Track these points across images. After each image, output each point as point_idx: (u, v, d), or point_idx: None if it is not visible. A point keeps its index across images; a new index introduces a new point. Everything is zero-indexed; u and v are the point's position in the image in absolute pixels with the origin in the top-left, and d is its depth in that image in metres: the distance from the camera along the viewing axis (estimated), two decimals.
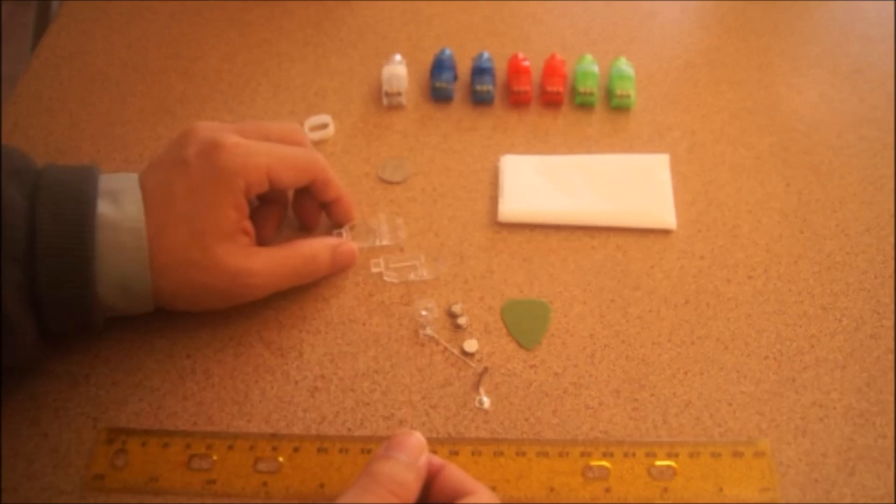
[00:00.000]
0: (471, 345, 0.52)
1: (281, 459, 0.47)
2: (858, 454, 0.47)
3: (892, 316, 0.54)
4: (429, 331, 0.53)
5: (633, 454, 0.47)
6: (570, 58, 0.68)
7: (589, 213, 0.59)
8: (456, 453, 0.47)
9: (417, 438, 0.41)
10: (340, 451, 0.48)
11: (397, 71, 0.66)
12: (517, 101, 0.66)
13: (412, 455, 0.40)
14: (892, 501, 0.46)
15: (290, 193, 0.59)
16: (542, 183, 0.60)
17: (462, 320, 0.53)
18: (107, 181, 0.50)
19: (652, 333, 0.53)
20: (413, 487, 0.40)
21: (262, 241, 0.54)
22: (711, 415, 0.49)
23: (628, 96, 0.65)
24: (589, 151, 0.63)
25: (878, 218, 0.59)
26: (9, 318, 0.45)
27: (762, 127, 0.65)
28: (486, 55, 0.67)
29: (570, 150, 0.63)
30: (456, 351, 0.52)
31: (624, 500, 0.46)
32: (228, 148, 0.50)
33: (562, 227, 0.58)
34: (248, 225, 0.51)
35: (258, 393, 0.50)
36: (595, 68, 0.66)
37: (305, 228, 0.59)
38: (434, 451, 0.46)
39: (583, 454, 0.47)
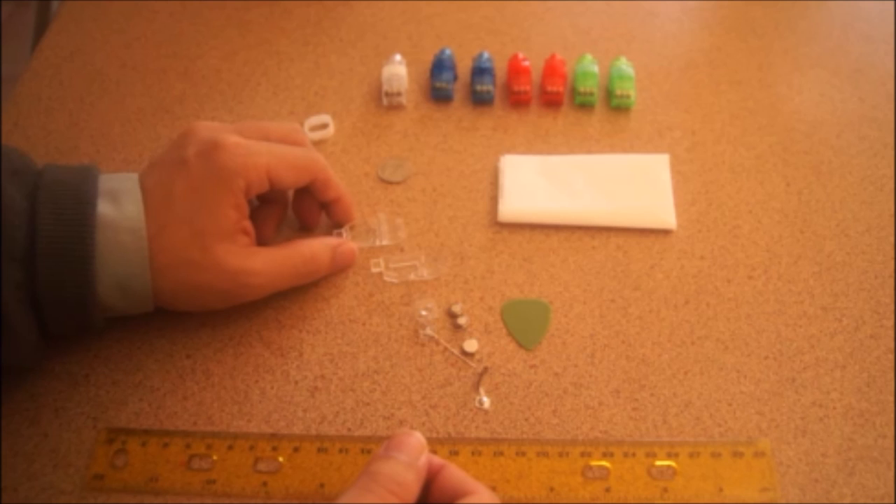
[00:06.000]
0: (471, 345, 0.52)
1: (281, 459, 0.47)
2: (858, 454, 0.47)
3: (892, 316, 0.53)
4: (429, 331, 0.53)
5: (633, 454, 0.47)
6: (570, 58, 0.68)
7: (589, 213, 0.59)
8: (456, 453, 0.47)
9: (417, 438, 0.41)
10: (340, 451, 0.48)
11: (397, 71, 0.66)
12: (517, 101, 0.66)
13: (412, 455, 0.40)
14: (893, 501, 0.46)
15: (290, 193, 0.59)
16: (543, 183, 0.60)
17: (462, 320, 0.53)
18: (107, 181, 0.50)
19: (652, 333, 0.53)
20: (413, 487, 0.40)
21: (262, 241, 0.54)
22: (711, 415, 0.49)
23: (628, 96, 0.65)
24: (589, 151, 0.63)
25: (878, 218, 0.59)
26: (9, 318, 0.45)
27: (762, 127, 0.65)
28: (486, 55, 0.67)
29: (571, 150, 0.63)
30: (456, 351, 0.52)
31: (624, 500, 0.46)
32: (228, 148, 0.50)
33: (562, 227, 0.58)
34: (248, 225, 0.51)
35: (258, 393, 0.50)
36: (595, 68, 0.66)
37: (305, 228, 0.59)
38: (434, 451, 0.46)
39: (583, 454, 0.47)
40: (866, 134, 0.65)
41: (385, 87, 0.66)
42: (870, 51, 0.71)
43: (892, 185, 0.61)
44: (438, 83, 0.66)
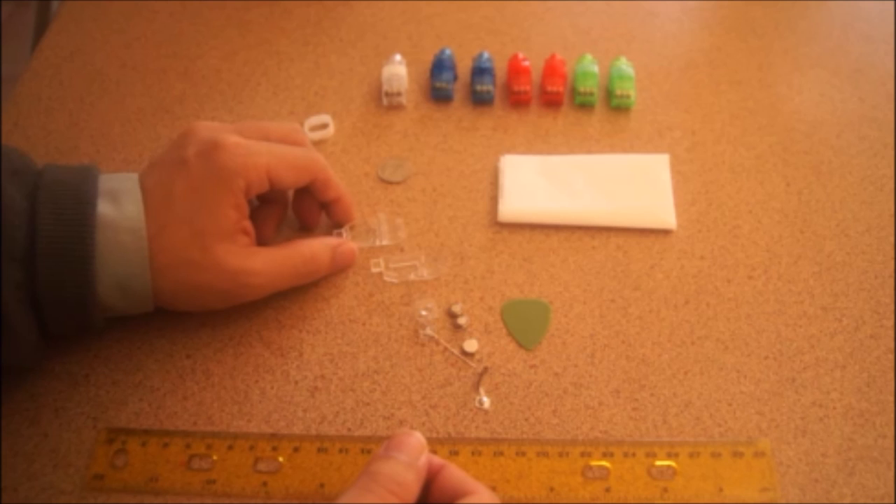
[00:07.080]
0: (471, 345, 0.52)
1: (281, 459, 0.47)
2: (858, 454, 0.47)
3: (892, 316, 0.54)
4: (429, 331, 0.53)
5: (633, 454, 0.47)
6: (570, 58, 0.68)
7: (589, 213, 0.59)
8: (456, 453, 0.47)
9: (417, 438, 0.41)
10: (340, 451, 0.48)
11: (397, 71, 0.66)
12: (517, 101, 0.66)
13: (412, 455, 0.40)
14: (893, 501, 0.46)
15: (290, 193, 0.59)
16: (543, 183, 0.60)
17: (462, 320, 0.53)
18: (107, 181, 0.50)
19: (652, 333, 0.53)
20: (413, 487, 0.40)
21: (262, 241, 0.54)
22: (711, 415, 0.49)
23: (628, 96, 0.65)
24: (589, 151, 0.63)
25: (878, 218, 0.59)
26: (9, 318, 0.45)
27: (762, 127, 0.65)
28: (486, 55, 0.67)
29: (571, 150, 0.63)
30: (456, 351, 0.52)
31: (624, 500, 0.46)
32: (228, 148, 0.50)
33: (562, 227, 0.58)
34: (248, 225, 0.51)
35: (258, 393, 0.50)
36: (595, 68, 0.66)
37: (305, 228, 0.59)
38: (434, 451, 0.46)
39: (583, 454, 0.47)
40: (866, 134, 0.65)
41: (385, 87, 0.66)
42: (870, 51, 0.71)
43: (892, 185, 0.61)
44: (438, 83, 0.66)
